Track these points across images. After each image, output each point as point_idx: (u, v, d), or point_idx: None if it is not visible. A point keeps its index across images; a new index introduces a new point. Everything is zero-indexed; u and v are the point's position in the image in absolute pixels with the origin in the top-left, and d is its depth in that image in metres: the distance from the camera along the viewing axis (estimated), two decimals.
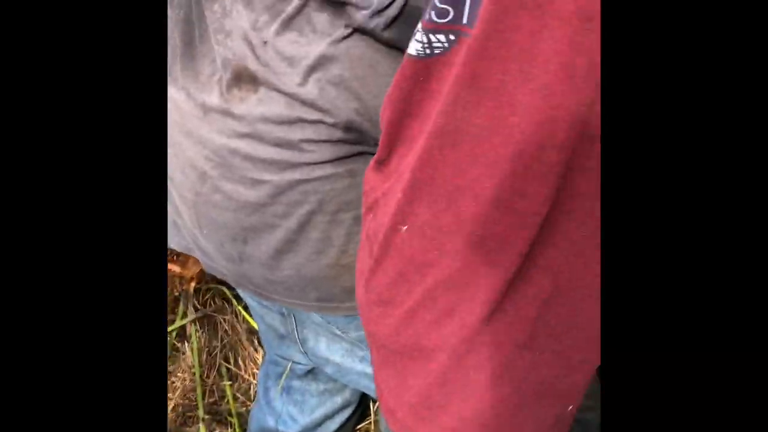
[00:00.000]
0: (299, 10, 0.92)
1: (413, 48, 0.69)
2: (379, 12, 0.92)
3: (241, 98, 0.96)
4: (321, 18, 0.92)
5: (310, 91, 0.93)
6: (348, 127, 0.95)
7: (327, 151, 0.96)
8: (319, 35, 0.92)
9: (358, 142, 0.97)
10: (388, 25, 0.92)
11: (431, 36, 0.66)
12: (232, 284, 1.18)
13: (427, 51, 0.66)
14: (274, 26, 0.93)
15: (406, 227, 0.72)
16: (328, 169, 0.97)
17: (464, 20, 0.63)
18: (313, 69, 0.92)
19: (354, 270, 0.96)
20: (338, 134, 0.95)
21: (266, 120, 0.95)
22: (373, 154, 0.83)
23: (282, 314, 1.24)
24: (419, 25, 0.68)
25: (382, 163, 0.79)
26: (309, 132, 0.95)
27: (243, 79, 0.96)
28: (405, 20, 0.92)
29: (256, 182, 0.98)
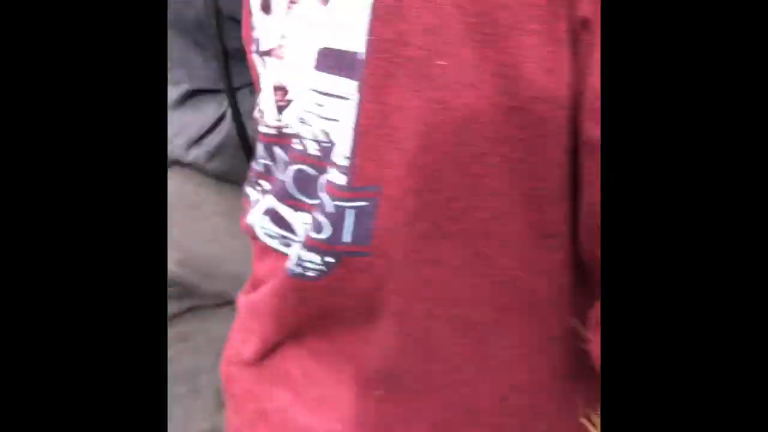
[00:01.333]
0: None
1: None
2: (197, 141, 0.72)
3: None
4: None
5: None
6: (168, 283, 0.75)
7: None
8: None
9: (184, 297, 0.77)
10: (213, 156, 0.72)
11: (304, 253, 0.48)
12: None
13: (297, 270, 0.49)
14: None
15: None
16: None
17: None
18: None
19: None
20: None
21: None
22: (208, 306, 0.64)
23: None
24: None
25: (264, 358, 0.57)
26: None
27: None
28: (233, 147, 0.73)
29: None
